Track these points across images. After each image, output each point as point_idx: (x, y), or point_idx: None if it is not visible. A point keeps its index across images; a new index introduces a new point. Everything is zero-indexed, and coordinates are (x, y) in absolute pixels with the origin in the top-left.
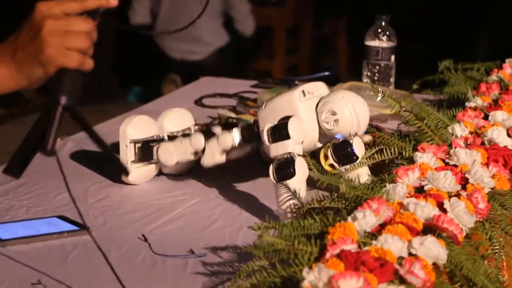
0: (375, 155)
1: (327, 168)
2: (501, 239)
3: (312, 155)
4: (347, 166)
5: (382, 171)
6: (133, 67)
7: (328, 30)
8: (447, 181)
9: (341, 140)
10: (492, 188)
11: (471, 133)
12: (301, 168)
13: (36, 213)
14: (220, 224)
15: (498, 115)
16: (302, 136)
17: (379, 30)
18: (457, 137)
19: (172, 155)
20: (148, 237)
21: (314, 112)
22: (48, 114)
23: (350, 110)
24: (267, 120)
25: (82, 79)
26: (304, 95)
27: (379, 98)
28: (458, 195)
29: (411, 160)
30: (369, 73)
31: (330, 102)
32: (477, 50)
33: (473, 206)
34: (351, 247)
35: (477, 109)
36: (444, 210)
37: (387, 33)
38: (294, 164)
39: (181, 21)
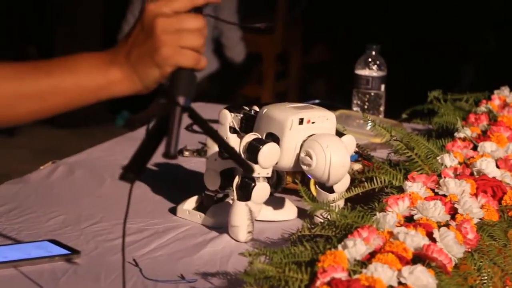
0: (365, 183)
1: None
2: (489, 270)
3: (303, 182)
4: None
5: (372, 200)
6: None
7: (317, 58)
8: (436, 211)
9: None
10: (481, 219)
11: (460, 163)
12: (260, 194)
13: (27, 236)
14: (211, 250)
15: (487, 146)
16: (272, 162)
17: (370, 59)
18: (447, 167)
19: None
20: (139, 262)
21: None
22: (167, 117)
23: (326, 163)
24: (259, 126)
25: (196, 79)
26: (301, 123)
27: (369, 127)
28: (447, 225)
29: (400, 189)
30: (359, 102)
31: (313, 146)
32: (462, 80)
33: (462, 236)
34: (342, 275)
35: (466, 140)
36: (433, 240)
37: (378, 62)
38: (252, 189)
39: None
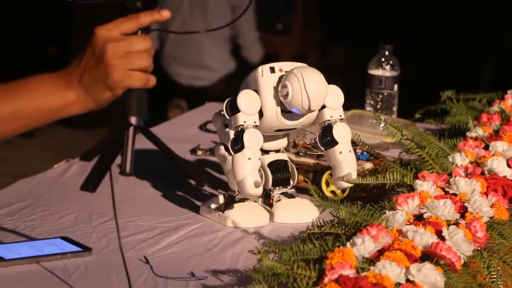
0: (378, 179)
1: (328, 194)
2: (498, 268)
3: (314, 181)
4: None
5: (383, 198)
6: None
7: (334, 58)
8: (446, 210)
9: (326, 124)
10: (491, 217)
11: (471, 162)
12: (251, 139)
13: (40, 234)
14: (221, 248)
15: (499, 145)
16: (255, 108)
17: (383, 59)
18: (458, 166)
19: None
20: (150, 259)
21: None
22: (120, 136)
23: (300, 85)
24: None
25: (146, 97)
26: (274, 71)
27: (381, 127)
28: (457, 223)
29: (411, 188)
30: (372, 102)
31: (286, 76)
32: (480, 80)
33: (472, 235)
34: (349, 272)
35: (478, 139)
36: (442, 238)
37: (391, 62)
38: (242, 137)
39: (188, 48)
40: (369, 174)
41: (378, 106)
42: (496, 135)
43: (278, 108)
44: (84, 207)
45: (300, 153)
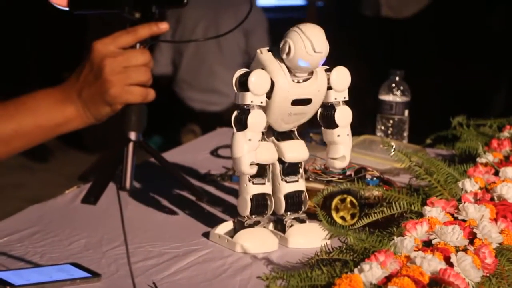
0: (385, 209)
1: (338, 220)
2: None
3: (323, 207)
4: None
5: (391, 225)
6: (153, 116)
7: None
8: (454, 236)
9: (329, 105)
10: (500, 244)
11: (481, 188)
12: (255, 120)
13: (50, 260)
14: (230, 274)
15: (509, 171)
16: (264, 89)
17: (393, 85)
18: (467, 192)
19: None
20: (159, 285)
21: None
22: (120, 151)
23: (299, 34)
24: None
25: (146, 110)
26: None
27: (390, 153)
28: (465, 249)
29: (420, 214)
30: (382, 127)
31: (288, 33)
32: (493, 106)
33: (480, 261)
34: None
35: (488, 165)
36: (451, 264)
37: (401, 88)
38: (247, 116)
39: (201, 72)
40: (377, 201)
41: (389, 132)
42: (507, 161)
43: (288, 76)
44: (93, 233)
45: (310, 179)
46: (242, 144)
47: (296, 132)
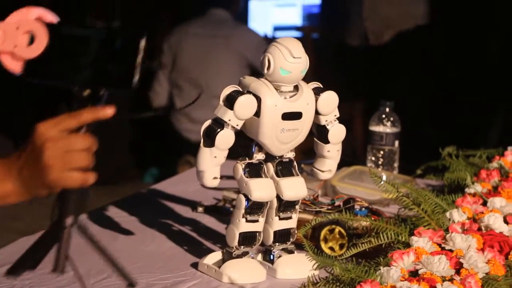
0: (372, 239)
1: (327, 250)
2: None
3: (312, 237)
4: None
5: (379, 255)
6: (150, 148)
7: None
8: (441, 265)
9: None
10: (486, 273)
11: (468, 218)
12: (223, 140)
13: None
14: None
15: (497, 201)
16: (246, 115)
17: (383, 116)
18: (454, 222)
19: None
20: None
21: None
22: (55, 234)
23: (276, 45)
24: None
25: (86, 192)
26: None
27: (378, 183)
28: (451, 279)
29: (408, 245)
30: (373, 158)
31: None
32: (487, 136)
33: None
34: None
35: (476, 195)
36: None
37: (391, 118)
38: (217, 133)
39: (198, 104)
40: (366, 231)
41: (379, 162)
42: (495, 191)
43: (274, 92)
44: (81, 265)
45: (299, 209)
46: (206, 160)
47: (296, 167)
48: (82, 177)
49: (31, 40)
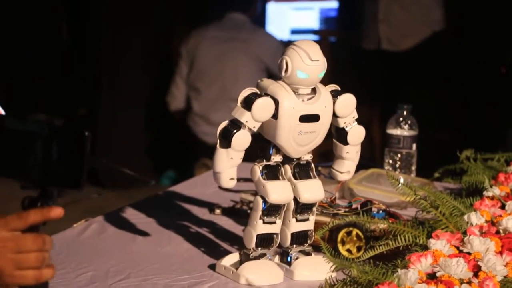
0: (389, 241)
1: (344, 253)
2: None
3: (330, 239)
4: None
5: (397, 257)
6: (167, 151)
7: (362, 118)
8: (459, 268)
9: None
10: (505, 276)
11: (486, 221)
12: (240, 141)
13: None
14: None
15: None
16: (264, 117)
17: (401, 119)
18: (472, 225)
19: None
20: None
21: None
22: None
23: (294, 48)
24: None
25: (45, 285)
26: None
27: (395, 186)
28: (469, 282)
29: (425, 247)
30: (390, 161)
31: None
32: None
33: None
34: None
35: (494, 199)
36: None
37: (409, 122)
38: (233, 135)
39: (216, 108)
40: (383, 234)
41: (397, 166)
42: None
43: (292, 94)
44: (100, 266)
45: (317, 212)
46: (223, 161)
47: (314, 169)
48: (36, 275)
49: None
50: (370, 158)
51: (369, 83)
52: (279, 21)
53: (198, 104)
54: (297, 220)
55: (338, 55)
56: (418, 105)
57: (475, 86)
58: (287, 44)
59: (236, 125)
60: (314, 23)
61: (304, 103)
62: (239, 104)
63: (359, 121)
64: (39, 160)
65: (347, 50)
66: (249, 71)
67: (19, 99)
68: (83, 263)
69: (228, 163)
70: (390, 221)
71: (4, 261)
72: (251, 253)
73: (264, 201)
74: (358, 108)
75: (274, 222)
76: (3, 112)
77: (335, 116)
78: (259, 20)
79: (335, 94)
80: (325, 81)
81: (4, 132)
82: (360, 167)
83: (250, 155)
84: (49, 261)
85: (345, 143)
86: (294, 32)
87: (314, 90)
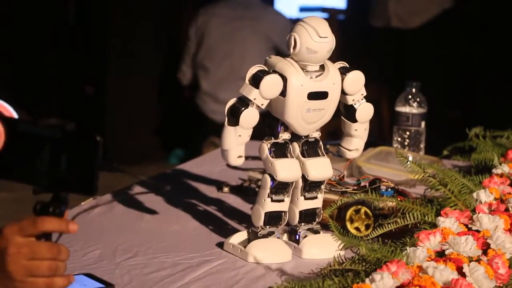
0: (398, 219)
1: (352, 231)
2: None
3: (338, 217)
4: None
5: (405, 235)
6: (176, 129)
7: (371, 96)
8: (468, 246)
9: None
10: None
11: (496, 199)
12: (248, 118)
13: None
14: (243, 284)
15: None
16: (272, 95)
17: (410, 97)
18: (481, 202)
19: None
20: None
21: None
22: None
23: (302, 24)
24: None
25: None
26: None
27: (404, 164)
28: (478, 260)
29: (434, 225)
30: (399, 139)
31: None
32: None
33: (493, 271)
34: None
35: (503, 176)
36: (463, 275)
37: (418, 99)
38: (241, 112)
39: (224, 86)
40: (392, 212)
41: (406, 143)
42: None
43: (300, 71)
44: (108, 244)
45: (325, 190)
46: (231, 138)
47: (322, 147)
48: (47, 283)
49: None
50: (379, 136)
51: (379, 61)
52: None
53: (207, 83)
54: (306, 198)
55: (346, 33)
56: (427, 82)
57: (485, 63)
58: (296, 21)
59: (244, 102)
60: (322, 0)
61: (313, 80)
62: (247, 81)
63: (368, 98)
64: (51, 164)
65: (356, 27)
66: (258, 49)
67: (28, 83)
68: (91, 241)
69: (236, 140)
70: (399, 199)
71: (17, 267)
72: (259, 231)
73: (272, 179)
74: (367, 86)
75: (283, 200)
76: (15, 116)
77: (343, 93)
78: None
79: (343, 71)
80: (333, 58)
81: (16, 136)
82: (368, 145)
83: (258, 133)
84: (64, 271)
85: (354, 120)
86: (302, 9)
87: (322, 67)
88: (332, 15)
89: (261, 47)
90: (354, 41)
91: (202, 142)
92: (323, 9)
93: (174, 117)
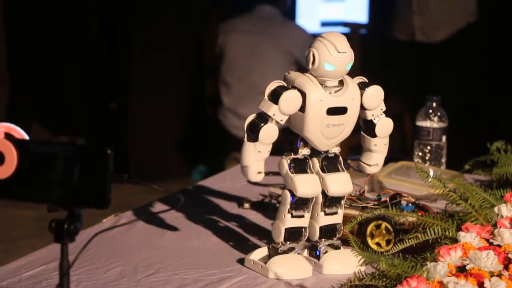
0: (419, 234)
1: (373, 246)
2: None
3: (359, 233)
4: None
5: (426, 251)
6: (198, 145)
7: (393, 110)
8: (489, 261)
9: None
10: None
11: None
12: (267, 134)
13: None
14: None
15: None
16: (291, 111)
17: (430, 111)
18: (503, 217)
19: None
20: None
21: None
22: None
23: (321, 40)
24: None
25: None
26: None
27: (425, 179)
28: (500, 275)
29: (455, 240)
30: (420, 153)
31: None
32: None
33: None
34: None
35: None
36: None
37: (438, 113)
38: (261, 128)
39: (247, 102)
40: (412, 227)
41: (427, 158)
42: None
43: (319, 86)
44: (129, 261)
45: (345, 205)
46: (250, 154)
47: (342, 162)
48: None
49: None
50: (401, 150)
51: (401, 74)
52: (309, 14)
53: (228, 98)
54: (326, 214)
55: (368, 48)
56: (449, 96)
57: (508, 77)
58: (317, 36)
59: (263, 118)
60: (344, 15)
61: (332, 95)
62: (266, 97)
63: (391, 113)
64: (63, 180)
65: (378, 41)
66: (279, 65)
67: (52, 96)
68: (112, 258)
69: (256, 156)
70: (420, 214)
71: None
72: (280, 247)
73: (292, 194)
74: (389, 100)
75: (303, 216)
76: (27, 137)
77: (362, 108)
78: (289, 12)
79: (362, 86)
80: (354, 73)
81: (29, 157)
82: (389, 159)
83: (278, 149)
84: None
85: (373, 135)
86: (324, 24)
87: (341, 82)
88: (353, 30)
89: (282, 63)
90: (376, 55)
91: (224, 158)
92: (345, 24)
93: (197, 133)
